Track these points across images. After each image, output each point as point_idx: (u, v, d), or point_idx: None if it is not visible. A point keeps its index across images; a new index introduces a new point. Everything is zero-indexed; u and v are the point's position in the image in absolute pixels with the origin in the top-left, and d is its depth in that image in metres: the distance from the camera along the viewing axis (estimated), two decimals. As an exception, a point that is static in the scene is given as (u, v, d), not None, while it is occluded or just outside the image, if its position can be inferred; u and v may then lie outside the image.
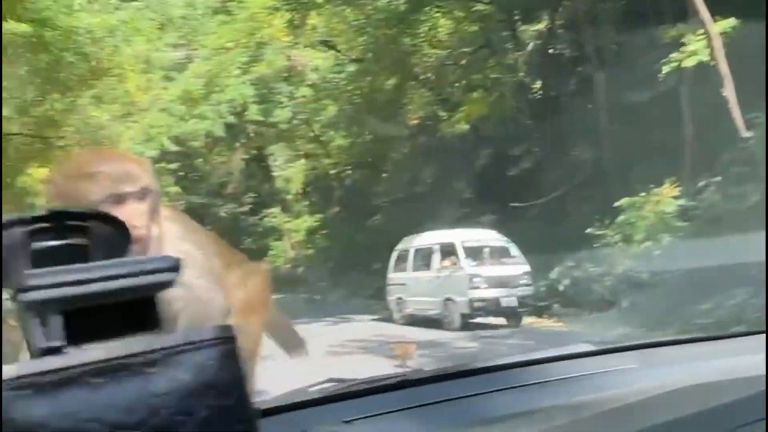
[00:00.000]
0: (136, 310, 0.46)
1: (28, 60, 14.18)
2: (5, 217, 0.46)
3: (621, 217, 11.91)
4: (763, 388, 0.87)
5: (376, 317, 14.58)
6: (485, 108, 14.61)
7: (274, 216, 25.59)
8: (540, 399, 1.16)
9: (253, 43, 21.04)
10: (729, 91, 10.61)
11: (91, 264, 0.44)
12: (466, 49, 18.00)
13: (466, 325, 12.14)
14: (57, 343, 0.43)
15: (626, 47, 14.13)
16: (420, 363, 8.90)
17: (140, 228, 1.23)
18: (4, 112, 15.67)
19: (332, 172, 23.20)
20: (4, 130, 15.69)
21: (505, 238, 13.16)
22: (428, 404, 1.14)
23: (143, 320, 0.46)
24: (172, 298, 1.22)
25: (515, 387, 1.20)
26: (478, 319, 12.45)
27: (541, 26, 14.95)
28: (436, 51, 18.74)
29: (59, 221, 0.46)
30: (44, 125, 15.54)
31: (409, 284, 13.60)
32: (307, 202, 25.47)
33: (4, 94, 15.57)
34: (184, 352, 0.44)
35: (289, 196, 25.89)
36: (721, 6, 10.83)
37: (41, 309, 0.43)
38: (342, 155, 22.47)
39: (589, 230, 12.46)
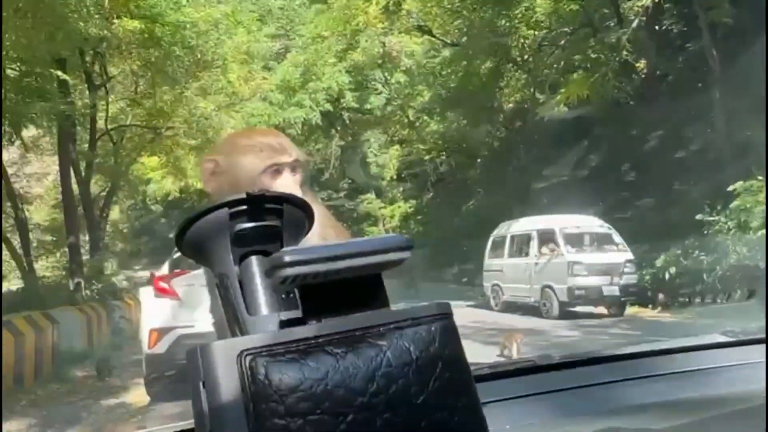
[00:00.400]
0: (363, 286, 0.50)
1: (139, 55, 14.95)
2: (216, 203, 0.50)
3: (735, 203, 11.17)
4: None
5: (471, 303, 14.49)
6: (586, 90, 14.05)
7: (369, 202, 25.89)
8: (670, 391, 1.11)
9: (349, 30, 21.28)
10: None
11: (333, 243, 0.48)
12: (565, 29, 17.37)
13: (566, 314, 11.84)
14: (298, 315, 0.47)
15: (741, 20, 13.16)
16: (521, 351, 8.78)
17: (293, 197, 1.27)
18: (119, 105, 16.71)
19: (426, 157, 23.15)
20: (119, 122, 16.75)
21: (607, 225, 12.68)
22: (559, 390, 1.12)
23: (370, 296, 0.50)
24: None
25: (646, 377, 1.15)
26: (578, 308, 12.10)
27: (646, 1, 14.14)
28: (534, 32, 18.21)
29: (257, 205, 0.49)
30: (154, 116, 16.38)
31: (505, 271, 13.40)
32: (401, 188, 25.58)
33: (118, 88, 16.61)
34: (409, 326, 0.48)
35: (384, 182, 26.10)
36: None
37: (285, 284, 0.46)
38: (436, 141, 22.38)
39: (698, 216, 11.79)
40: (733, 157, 12.66)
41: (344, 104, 23.38)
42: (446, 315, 0.50)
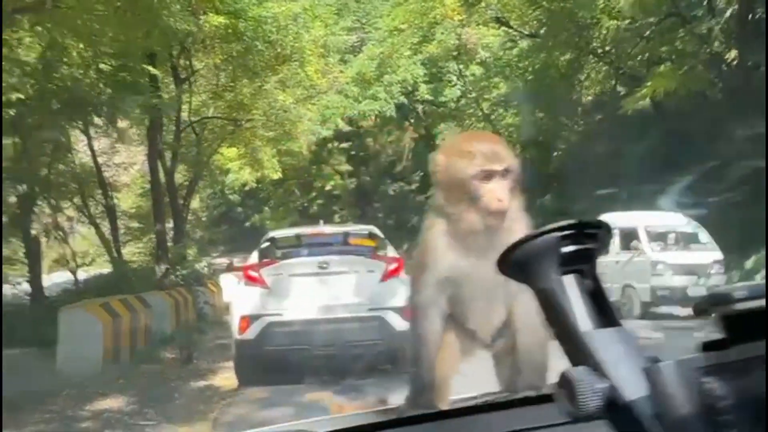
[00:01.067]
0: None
1: (222, 49, 15.40)
2: (546, 227, 0.55)
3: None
4: None
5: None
6: (673, 82, 13.51)
7: (440, 195, 25.75)
8: None
9: (426, 23, 21.24)
10: None
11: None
12: (650, 20, 16.73)
13: (648, 314, 11.49)
14: (720, 338, 0.53)
15: None
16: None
17: (502, 202, 1.43)
18: (202, 98, 17.28)
19: (501, 151, 22.85)
20: (202, 114, 17.33)
21: (694, 223, 12.20)
22: None
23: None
24: None
25: None
26: (662, 309, 11.72)
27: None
28: (616, 22, 17.63)
29: (582, 229, 0.53)
30: (234, 109, 16.85)
31: (584, 268, 13.09)
32: (474, 182, 25.37)
33: (201, 81, 17.17)
34: None
35: (456, 176, 25.92)
36: None
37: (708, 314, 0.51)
38: (511, 134, 22.04)
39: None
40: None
41: (418, 96, 23.36)
42: None
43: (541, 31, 18.31)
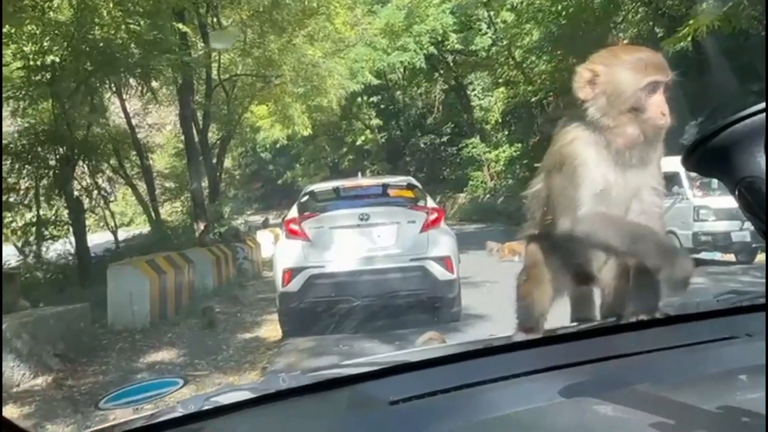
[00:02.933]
0: None
1: (248, 4, 15.21)
2: (750, 109, 0.50)
3: None
4: None
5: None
6: (717, 20, 12.93)
7: (473, 146, 25.52)
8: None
9: (454, -32, 20.71)
10: None
11: None
12: (691, -46, 15.99)
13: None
14: None
15: None
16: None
17: (666, 115, 1.38)
18: (230, 56, 17.15)
19: (534, 99, 22.38)
20: (231, 71, 17.24)
21: (738, 166, 11.87)
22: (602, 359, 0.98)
23: None
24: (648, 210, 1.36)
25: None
26: (704, 254, 11.52)
27: None
28: (654, -41, 16.92)
29: None
30: (263, 65, 16.71)
31: (623, 215, 12.91)
32: (506, 132, 24.99)
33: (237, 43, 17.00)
34: None
35: (488, 126, 25.58)
36: None
37: None
38: (544, 81, 21.54)
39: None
40: None
41: (448, 46, 22.91)
42: None
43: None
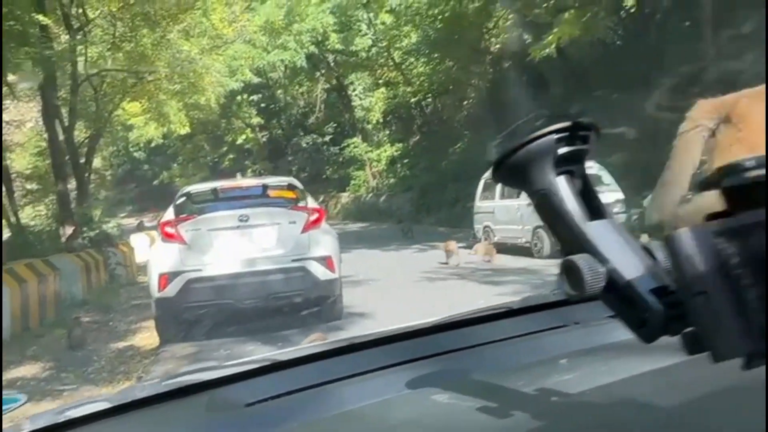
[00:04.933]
0: None
1: (119, -4, 14.47)
2: (541, 131, 0.56)
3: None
4: None
5: (462, 245, 14.67)
6: (578, 29, 13.92)
7: (355, 146, 25.76)
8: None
9: (333, -31, 20.77)
10: None
11: None
12: (555, -34, 17.05)
13: (556, 254, 12.05)
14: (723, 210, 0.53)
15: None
16: (515, 290, 9.03)
17: None
18: (98, 50, 16.19)
19: (413, 100, 22.94)
20: (99, 66, 16.27)
21: (598, 165, 12.81)
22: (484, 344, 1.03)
23: None
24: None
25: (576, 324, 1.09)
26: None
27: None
28: (523, -30, 17.86)
29: (576, 131, 0.56)
30: (135, 60, 15.93)
31: (497, 212, 13.55)
32: (387, 131, 25.44)
33: (97, 32, 16.07)
34: None
35: (369, 126, 25.92)
36: None
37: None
38: (423, 83, 22.16)
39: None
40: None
41: (329, 46, 22.97)
42: None
43: (450, -21, 18.31)
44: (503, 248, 13.24)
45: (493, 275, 10.63)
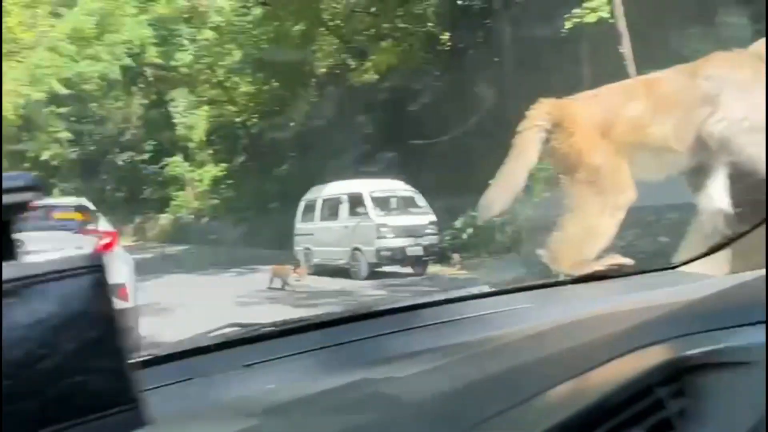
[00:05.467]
0: None
1: None
2: None
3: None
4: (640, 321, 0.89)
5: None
6: (394, 58, 14.50)
7: (176, 165, 24.59)
8: (439, 338, 1.16)
9: (152, -21, 19.81)
10: (626, 48, 11.02)
11: None
12: (376, -4, 17.70)
13: (374, 274, 12.33)
14: None
15: (534, 1, 14.35)
16: (329, 311, 8.99)
17: None
18: None
19: (237, 119, 22.47)
20: None
21: (412, 189, 13.34)
22: (328, 347, 1.13)
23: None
24: None
25: (416, 328, 1.20)
26: (385, 268, 12.67)
27: (449, -24, 14.92)
28: (346, -3, 18.32)
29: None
30: None
31: (316, 234, 13.58)
32: (211, 151, 24.63)
33: None
34: (49, 281, 0.42)
35: (192, 144, 24.94)
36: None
37: None
38: (248, 102, 21.78)
39: (491, 181, 12.78)
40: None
41: (147, 59, 21.80)
42: (97, 267, 0.44)
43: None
44: (323, 270, 13.27)
45: (309, 298, 10.56)
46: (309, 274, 12.06)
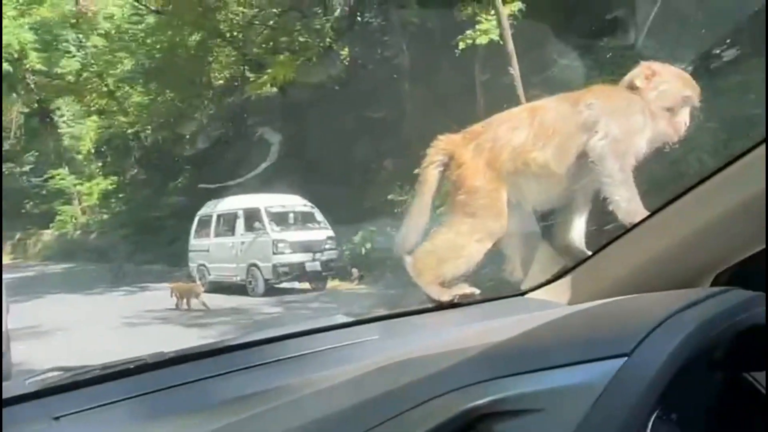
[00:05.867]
0: None
1: None
2: None
3: (419, 184, 12.47)
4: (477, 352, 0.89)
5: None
6: (292, 72, 14.41)
7: (61, 177, 23.17)
8: (281, 375, 1.12)
9: (34, -19, 18.69)
10: (514, 70, 11.49)
11: None
12: (274, 10, 17.55)
13: (271, 291, 12.12)
14: None
15: (430, 21, 14.72)
16: (223, 331, 8.78)
17: (684, 129, 1.77)
18: None
19: (130, 131, 21.50)
20: None
21: (310, 204, 13.25)
22: (159, 390, 1.06)
23: None
24: None
25: (258, 365, 1.15)
26: (283, 285, 12.48)
27: (348, -8, 15.04)
28: (244, 9, 18.03)
29: None
30: None
31: (212, 250, 13.21)
32: (100, 163, 23.42)
33: None
34: None
35: (80, 156, 23.62)
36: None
37: None
38: (141, 113, 20.91)
39: (390, 196, 12.96)
40: (417, 143, 14.14)
41: (28, 65, 20.50)
42: None
43: (168, 8, 17.67)
44: (218, 287, 12.91)
45: (202, 317, 10.23)
46: (204, 291, 11.66)
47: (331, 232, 12.85)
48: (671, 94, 1.78)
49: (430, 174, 1.91)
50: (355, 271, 13.13)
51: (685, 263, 1.25)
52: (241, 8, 17.87)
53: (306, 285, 12.63)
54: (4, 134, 23.64)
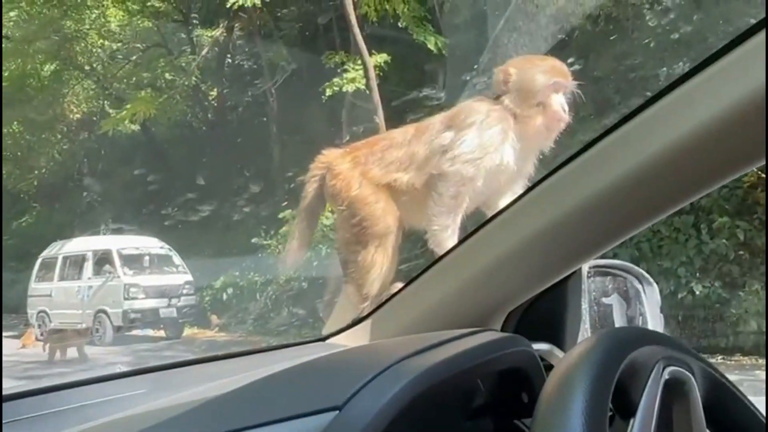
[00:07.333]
0: None
1: None
2: None
3: (284, 228, 12.32)
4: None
5: (12, 334, 12.70)
6: (153, 109, 13.86)
7: None
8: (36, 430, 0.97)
9: None
10: (380, 119, 11.78)
11: None
12: (138, 45, 16.95)
13: (120, 339, 11.32)
14: None
15: (300, 66, 14.83)
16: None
17: (566, 115, 1.67)
18: None
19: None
20: None
21: (167, 246, 12.64)
22: None
23: None
24: None
25: (11, 421, 0.99)
26: (135, 332, 11.73)
27: (217, 33, 14.81)
28: (105, 42, 17.25)
29: None
30: None
31: (54, 295, 12.17)
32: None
33: None
34: None
35: None
36: (377, 43, 12.12)
37: None
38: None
39: (254, 240, 12.67)
40: (284, 186, 14.04)
41: None
42: None
43: (17, 34, 16.51)
44: (64, 336, 11.86)
45: (38, 368, 9.32)
46: (39, 340, 10.65)
47: (189, 277, 12.30)
48: (534, 88, 1.67)
49: (310, 187, 1.84)
50: (214, 318, 12.61)
51: (475, 302, 1.23)
52: (102, 40, 17.08)
53: (161, 332, 11.94)
54: None
